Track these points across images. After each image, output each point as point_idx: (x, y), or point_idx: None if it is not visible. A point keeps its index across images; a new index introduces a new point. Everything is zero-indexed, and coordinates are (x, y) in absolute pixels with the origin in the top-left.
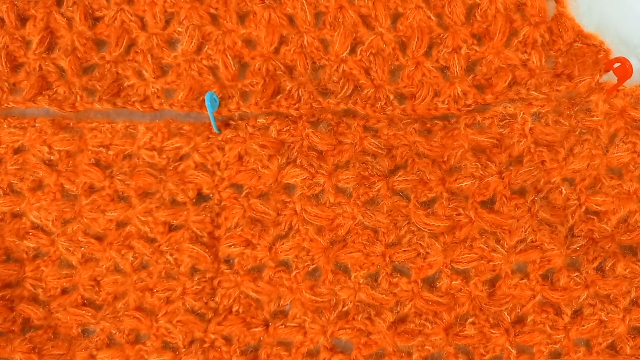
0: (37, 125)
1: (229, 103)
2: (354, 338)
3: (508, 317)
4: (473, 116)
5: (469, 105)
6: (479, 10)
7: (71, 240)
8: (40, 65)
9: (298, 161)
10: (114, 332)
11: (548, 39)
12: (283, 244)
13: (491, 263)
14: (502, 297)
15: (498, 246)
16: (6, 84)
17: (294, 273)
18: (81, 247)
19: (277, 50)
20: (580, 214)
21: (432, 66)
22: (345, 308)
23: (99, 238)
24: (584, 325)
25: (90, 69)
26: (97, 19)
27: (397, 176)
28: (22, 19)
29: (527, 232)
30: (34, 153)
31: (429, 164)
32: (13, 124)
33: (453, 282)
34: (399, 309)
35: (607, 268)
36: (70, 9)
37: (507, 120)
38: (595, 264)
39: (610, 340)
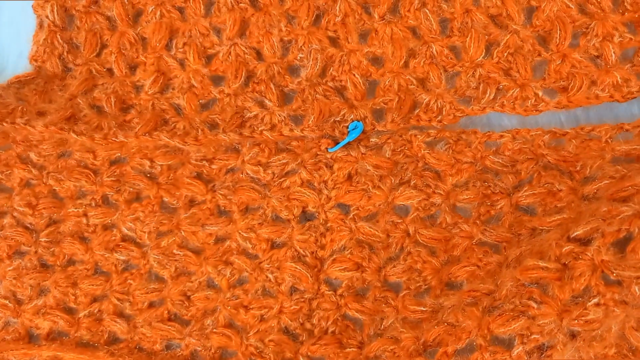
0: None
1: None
2: (443, 335)
3: (638, 291)
4: (619, 127)
5: (634, 93)
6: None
7: (164, 253)
8: (153, 104)
9: (413, 182)
10: (199, 348)
11: None
12: (394, 266)
13: (617, 218)
14: (637, 261)
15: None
16: (114, 121)
17: (403, 293)
18: (175, 260)
19: (406, 64)
20: None
21: (582, 57)
22: (444, 313)
23: (196, 252)
24: None
25: (208, 104)
26: (210, 57)
27: (522, 192)
28: (132, 67)
29: None
30: (133, 166)
31: (558, 175)
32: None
33: (564, 249)
34: (496, 295)
35: None
36: (181, 50)
37: None
38: None
39: None
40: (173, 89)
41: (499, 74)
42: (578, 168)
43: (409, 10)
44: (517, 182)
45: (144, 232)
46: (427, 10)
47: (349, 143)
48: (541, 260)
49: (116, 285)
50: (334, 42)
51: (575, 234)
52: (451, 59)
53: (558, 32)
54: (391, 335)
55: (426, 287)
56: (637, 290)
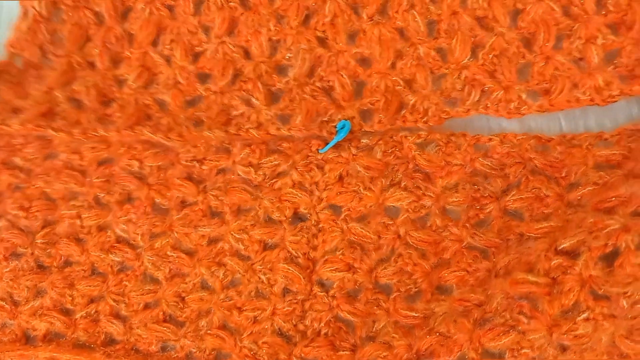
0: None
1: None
2: (436, 345)
3: (625, 304)
4: (598, 135)
5: (614, 97)
6: (610, 0)
7: (158, 255)
8: (136, 99)
9: (403, 184)
10: (193, 350)
11: None
12: (385, 268)
13: (604, 231)
14: (625, 277)
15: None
16: (94, 115)
17: (394, 295)
18: (169, 262)
19: (393, 66)
20: None
21: (565, 59)
22: (436, 321)
23: (189, 254)
24: None
25: (193, 102)
26: (197, 55)
27: (510, 196)
28: (115, 62)
29: None
30: (122, 167)
31: (545, 181)
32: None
33: (553, 262)
34: (486, 306)
35: None
36: (168, 46)
37: None
38: None
39: None
40: (158, 84)
41: (484, 76)
42: (563, 174)
43: (397, 12)
44: (505, 186)
45: (137, 233)
46: (415, 12)
47: (339, 144)
48: (531, 274)
49: (112, 287)
50: (322, 42)
51: (563, 246)
52: (437, 60)
53: (542, 34)
54: (384, 341)
55: (416, 289)
56: (625, 304)
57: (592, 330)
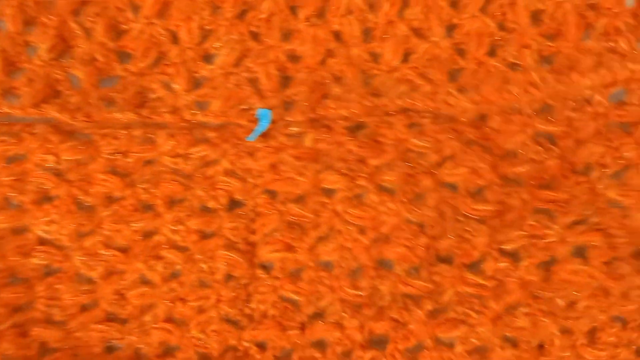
0: (37, 132)
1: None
2: (390, 331)
3: (561, 303)
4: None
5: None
6: (546, 14)
7: (89, 254)
8: (47, 73)
9: (337, 167)
10: (140, 346)
11: (634, 23)
12: (325, 245)
13: (543, 241)
14: (559, 282)
15: (551, 224)
16: None
17: (335, 271)
18: (102, 260)
19: (323, 62)
20: None
21: (499, 63)
22: (385, 302)
23: (124, 250)
24: (625, 306)
25: (110, 80)
26: (121, 32)
27: (445, 169)
28: (29, 25)
29: (590, 213)
30: (36, 162)
31: (480, 152)
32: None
33: (500, 264)
34: (438, 297)
35: None
36: (91, 19)
37: (579, 104)
38: None
39: None
40: (73, 58)
41: (414, 76)
42: (499, 144)
43: (335, 16)
44: (440, 160)
45: (63, 234)
46: (351, 18)
47: (267, 133)
48: (479, 276)
49: (41, 292)
50: (255, 36)
51: (506, 247)
52: (369, 62)
53: (475, 43)
54: (334, 320)
55: (357, 265)
56: (561, 303)
57: (531, 324)
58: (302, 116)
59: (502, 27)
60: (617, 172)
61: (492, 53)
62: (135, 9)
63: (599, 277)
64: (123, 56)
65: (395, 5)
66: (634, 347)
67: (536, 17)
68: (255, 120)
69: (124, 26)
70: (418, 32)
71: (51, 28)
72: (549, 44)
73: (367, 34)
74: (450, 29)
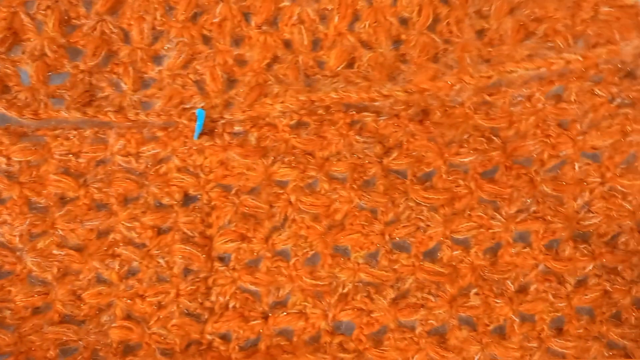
0: None
1: (211, 113)
2: (355, 318)
3: (512, 286)
4: (482, 95)
5: (491, 77)
6: (489, 32)
7: (42, 255)
8: None
9: (286, 160)
10: (98, 347)
11: (570, 22)
12: (280, 234)
13: (490, 231)
14: (505, 265)
15: (497, 214)
16: None
17: (292, 261)
18: (57, 261)
19: (269, 67)
20: (602, 192)
21: (440, 66)
22: (345, 290)
23: (78, 250)
24: (587, 295)
25: (59, 77)
26: (73, 27)
27: (391, 157)
28: None
29: (530, 202)
30: None
31: (425, 141)
32: None
33: (454, 253)
34: (399, 284)
35: (619, 242)
36: (43, 12)
37: (520, 99)
38: (607, 239)
39: (614, 311)
40: (23, 52)
41: (356, 78)
42: (443, 133)
43: (286, 25)
44: (386, 150)
45: (15, 235)
46: (302, 27)
47: (213, 132)
48: (437, 264)
49: None
50: (206, 40)
51: (458, 237)
52: (314, 67)
53: (419, 51)
54: (297, 310)
55: (313, 252)
56: (511, 285)
57: (482, 303)
58: (242, 114)
59: (447, 41)
60: (554, 165)
61: (434, 60)
62: (88, 4)
63: (541, 258)
64: (73, 53)
65: (346, 18)
66: (604, 340)
67: (481, 33)
68: (195, 119)
69: (76, 21)
70: (366, 44)
71: (1, 20)
72: (489, 49)
73: (316, 44)
74: (398, 43)
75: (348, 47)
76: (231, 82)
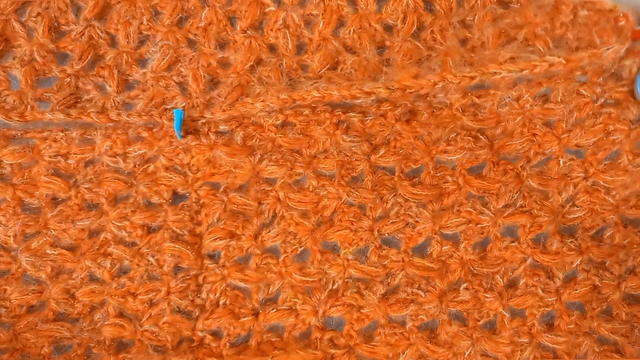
0: None
1: (192, 112)
2: (345, 314)
3: (501, 280)
4: (470, 98)
5: (474, 78)
6: (471, 40)
7: (36, 255)
8: None
9: (273, 157)
10: (92, 344)
11: (550, 26)
12: (269, 231)
13: (479, 226)
14: (494, 260)
15: (485, 209)
16: None
17: (282, 257)
18: (50, 260)
19: (252, 69)
20: (586, 186)
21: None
22: (335, 286)
23: (71, 249)
24: (576, 290)
25: (47, 81)
26: (61, 33)
27: (379, 154)
28: None
29: (517, 197)
30: None
31: (412, 139)
32: None
33: (443, 248)
34: (389, 280)
35: (605, 236)
36: (34, 19)
37: (508, 100)
38: (592, 232)
39: (605, 306)
40: (14, 58)
41: (339, 79)
42: (429, 132)
43: (271, 29)
44: (373, 147)
45: (9, 235)
46: (287, 32)
47: (199, 131)
48: (426, 259)
49: None
50: (191, 43)
51: (446, 233)
52: (297, 70)
53: (402, 56)
54: (288, 306)
55: (302, 248)
56: (500, 280)
57: (471, 297)
58: (223, 113)
59: (431, 49)
60: (540, 161)
61: (418, 64)
62: (77, 9)
63: (529, 252)
64: (61, 57)
65: (331, 24)
66: (595, 335)
67: (464, 42)
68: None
69: (65, 27)
70: (350, 49)
71: None
72: (472, 55)
73: (301, 48)
74: (382, 51)
75: (332, 51)
76: (214, 84)
